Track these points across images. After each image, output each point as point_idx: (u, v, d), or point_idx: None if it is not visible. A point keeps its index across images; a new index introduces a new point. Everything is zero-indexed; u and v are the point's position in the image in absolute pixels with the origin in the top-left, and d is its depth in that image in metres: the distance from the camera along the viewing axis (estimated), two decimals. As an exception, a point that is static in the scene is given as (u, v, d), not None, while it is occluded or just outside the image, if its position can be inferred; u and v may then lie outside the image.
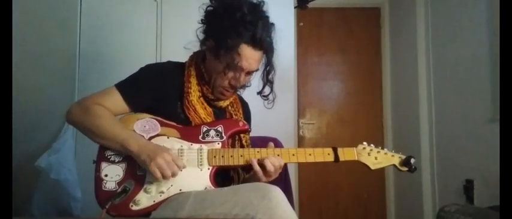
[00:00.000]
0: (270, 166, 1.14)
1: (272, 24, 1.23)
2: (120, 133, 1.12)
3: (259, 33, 1.16)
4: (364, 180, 3.39)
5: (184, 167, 1.12)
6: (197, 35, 1.24)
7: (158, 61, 2.49)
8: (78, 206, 2.04)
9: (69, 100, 2.39)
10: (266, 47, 1.21)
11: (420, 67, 2.92)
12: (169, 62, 1.32)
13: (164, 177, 1.07)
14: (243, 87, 1.31)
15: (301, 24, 3.50)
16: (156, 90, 1.23)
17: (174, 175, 1.08)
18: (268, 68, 1.27)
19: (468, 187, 2.35)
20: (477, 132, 2.31)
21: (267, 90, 1.30)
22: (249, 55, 1.18)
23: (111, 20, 2.53)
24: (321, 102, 3.54)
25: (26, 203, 2.02)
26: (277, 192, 0.97)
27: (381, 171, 3.42)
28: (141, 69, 1.27)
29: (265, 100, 1.31)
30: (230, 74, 1.21)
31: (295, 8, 2.97)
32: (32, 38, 2.38)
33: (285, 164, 1.53)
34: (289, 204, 0.98)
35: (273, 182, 1.12)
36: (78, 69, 2.44)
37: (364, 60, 3.55)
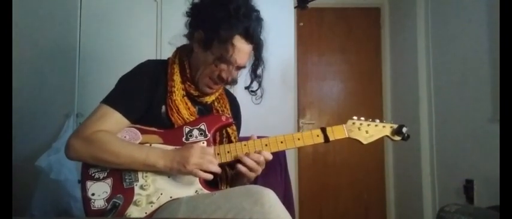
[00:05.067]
0: (250, 162, 1.11)
1: (262, 19, 1.20)
2: (138, 153, 1.07)
3: (252, 26, 1.14)
4: (364, 180, 3.39)
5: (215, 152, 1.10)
6: (186, 27, 1.21)
7: (158, 61, 2.49)
8: (78, 206, 2.04)
9: (69, 100, 2.39)
10: (257, 41, 1.18)
11: (420, 67, 2.92)
12: (149, 61, 1.27)
13: (212, 172, 1.06)
14: (233, 82, 1.25)
15: (301, 24, 3.50)
16: (147, 93, 1.17)
17: (213, 163, 1.07)
18: (257, 63, 1.23)
19: (468, 187, 2.35)
20: (477, 132, 2.31)
21: (255, 85, 1.26)
22: (241, 48, 1.14)
23: (111, 20, 2.53)
24: (321, 102, 3.53)
25: (26, 203, 2.02)
26: (270, 195, 0.95)
27: (381, 171, 3.43)
28: (125, 77, 1.21)
29: (253, 95, 1.27)
30: (222, 66, 1.16)
31: (295, 8, 2.97)
32: (32, 38, 2.39)
33: (285, 164, 1.53)
34: (283, 206, 0.96)
35: (273, 183, 1.11)
36: (78, 69, 2.45)
37: (364, 60, 3.55)
